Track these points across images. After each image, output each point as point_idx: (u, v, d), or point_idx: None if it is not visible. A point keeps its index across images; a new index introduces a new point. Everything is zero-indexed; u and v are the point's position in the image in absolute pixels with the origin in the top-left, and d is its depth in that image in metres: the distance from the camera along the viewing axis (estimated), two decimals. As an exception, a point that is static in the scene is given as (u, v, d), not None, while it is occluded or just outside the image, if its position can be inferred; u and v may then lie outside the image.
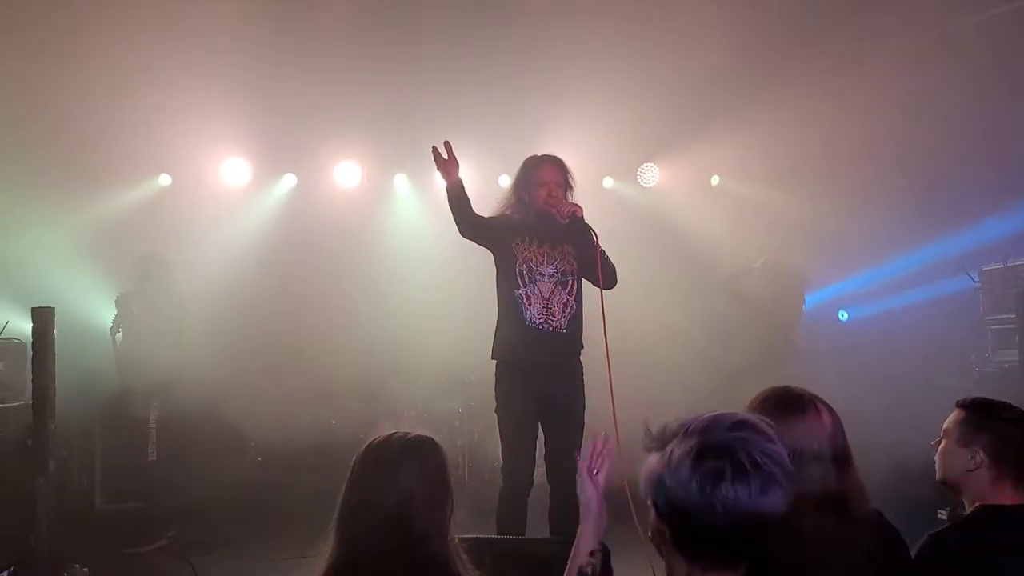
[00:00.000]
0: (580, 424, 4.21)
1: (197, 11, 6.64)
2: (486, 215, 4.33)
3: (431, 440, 2.13)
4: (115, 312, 6.48)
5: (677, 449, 1.50)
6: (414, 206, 8.79)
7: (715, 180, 8.73)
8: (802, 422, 2.10)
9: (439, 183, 4.27)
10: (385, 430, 2.13)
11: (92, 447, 6.92)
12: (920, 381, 6.14)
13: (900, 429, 4.97)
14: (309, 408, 9.07)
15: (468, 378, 8.13)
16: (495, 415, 4.29)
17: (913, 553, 2.28)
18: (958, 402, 2.53)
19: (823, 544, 1.95)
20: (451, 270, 7.23)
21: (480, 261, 4.54)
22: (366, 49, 7.12)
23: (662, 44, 6.64)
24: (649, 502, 1.54)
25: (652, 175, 8.70)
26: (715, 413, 1.53)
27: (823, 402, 2.17)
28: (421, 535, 1.94)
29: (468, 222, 4.19)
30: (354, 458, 2.07)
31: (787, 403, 2.13)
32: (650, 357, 6.35)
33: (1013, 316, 6.25)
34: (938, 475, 2.55)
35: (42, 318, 4.10)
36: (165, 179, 8.28)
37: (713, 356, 6.60)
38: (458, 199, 4.14)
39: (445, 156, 4.04)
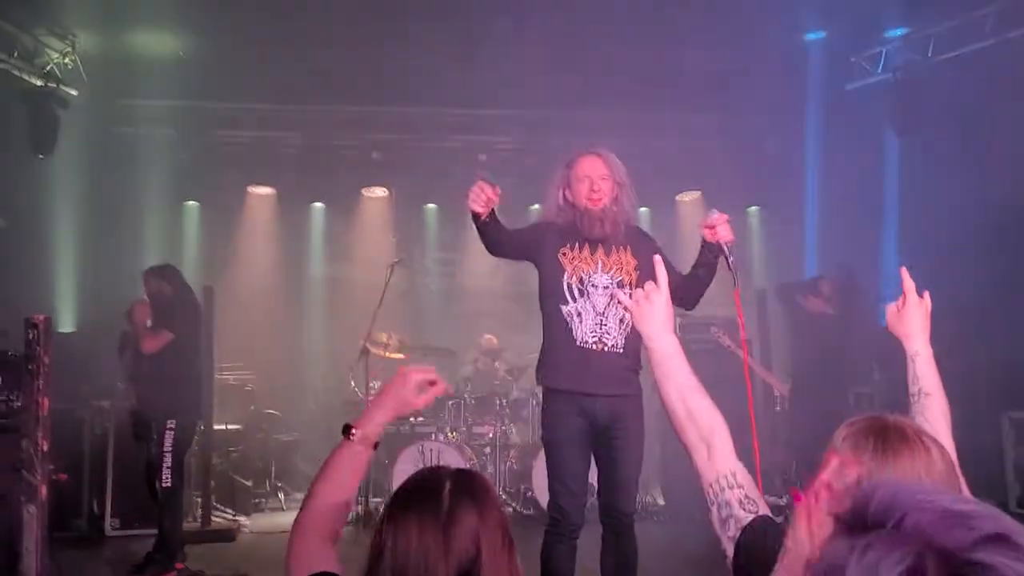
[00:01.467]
0: (640, 457, 3.72)
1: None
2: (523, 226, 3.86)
3: (478, 474, 1.63)
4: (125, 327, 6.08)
5: (880, 549, 0.89)
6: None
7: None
8: (907, 461, 1.62)
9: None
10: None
11: (104, 471, 6.62)
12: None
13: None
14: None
15: (501, 399, 7.76)
16: (540, 442, 3.78)
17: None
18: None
19: None
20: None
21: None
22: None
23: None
24: None
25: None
26: (946, 501, 0.91)
27: (930, 436, 1.69)
28: None
29: (490, 241, 3.66)
30: (384, 508, 1.52)
31: (886, 436, 1.65)
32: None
33: None
34: None
35: (37, 329, 3.69)
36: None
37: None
38: (491, 224, 3.59)
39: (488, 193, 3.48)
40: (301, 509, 1.74)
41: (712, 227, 3.40)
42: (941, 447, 1.68)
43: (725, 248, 3.37)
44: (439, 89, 8.20)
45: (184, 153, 9.17)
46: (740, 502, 1.84)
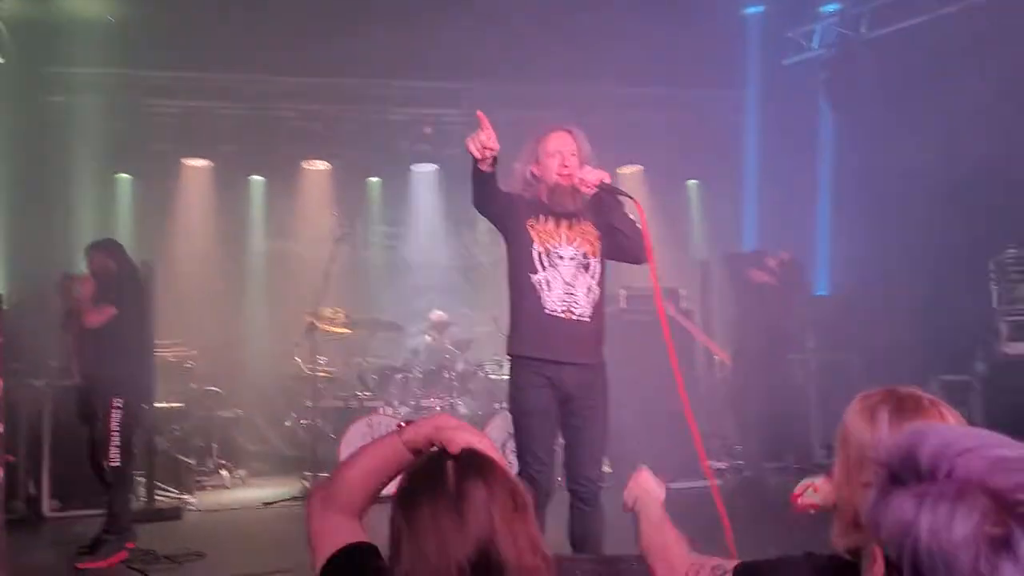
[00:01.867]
0: (606, 426, 3.77)
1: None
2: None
3: (478, 449, 1.64)
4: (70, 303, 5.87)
5: (947, 502, 0.95)
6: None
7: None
8: None
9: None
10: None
11: (40, 451, 6.43)
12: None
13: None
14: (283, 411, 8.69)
15: (449, 372, 7.79)
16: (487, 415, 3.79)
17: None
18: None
19: None
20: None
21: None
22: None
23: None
24: (884, 553, 1.02)
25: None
26: (993, 445, 0.97)
27: (947, 406, 1.76)
28: (518, 566, 1.45)
29: (488, 193, 3.63)
30: (394, 500, 1.50)
31: (901, 407, 1.70)
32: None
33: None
34: None
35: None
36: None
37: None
38: (489, 176, 3.56)
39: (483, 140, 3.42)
40: (320, 488, 1.71)
41: (582, 181, 3.63)
42: (959, 417, 1.74)
43: (604, 185, 3.63)
44: (382, 61, 8.10)
45: (116, 123, 8.85)
46: (713, 570, 1.90)
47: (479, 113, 3.45)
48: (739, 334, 6.96)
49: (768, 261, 6.59)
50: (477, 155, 3.42)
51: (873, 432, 1.61)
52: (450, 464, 1.51)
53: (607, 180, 3.67)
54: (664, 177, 10.03)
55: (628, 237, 3.71)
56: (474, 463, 1.52)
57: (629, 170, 10.28)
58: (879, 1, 7.72)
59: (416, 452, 1.64)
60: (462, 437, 1.57)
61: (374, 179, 10.18)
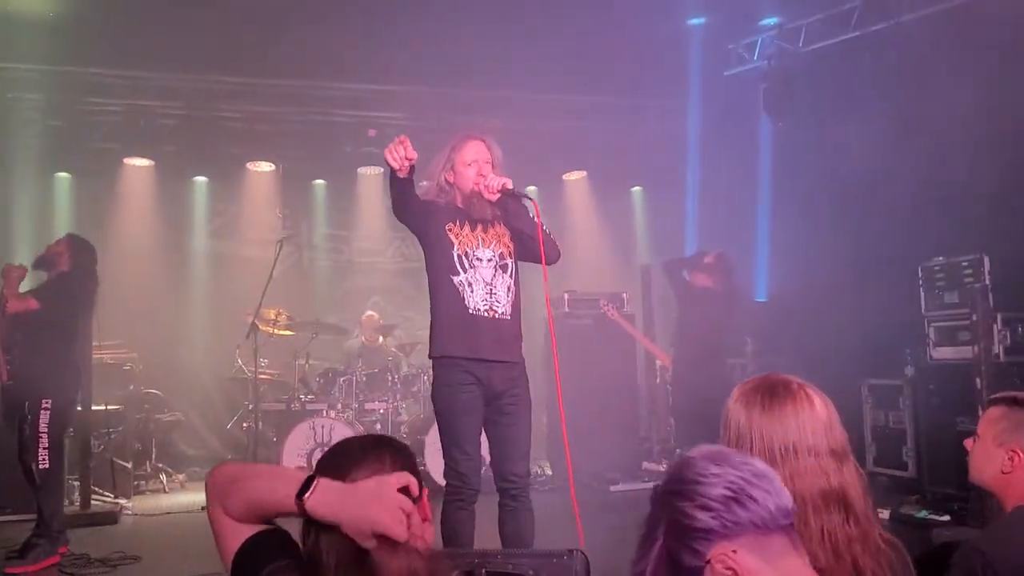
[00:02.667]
0: (530, 423, 3.87)
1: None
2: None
3: (394, 440, 1.68)
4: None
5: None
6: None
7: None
8: (792, 413, 1.80)
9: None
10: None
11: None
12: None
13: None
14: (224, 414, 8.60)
15: (392, 375, 7.81)
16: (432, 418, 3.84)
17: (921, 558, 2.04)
18: (992, 398, 2.33)
19: (834, 547, 1.69)
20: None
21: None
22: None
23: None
24: None
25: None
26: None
27: (814, 389, 1.88)
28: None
29: (405, 200, 3.71)
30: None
31: (773, 392, 1.83)
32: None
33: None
34: (971, 477, 2.35)
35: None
36: None
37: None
38: (407, 183, 3.64)
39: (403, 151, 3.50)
40: (215, 493, 1.60)
41: (486, 187, 3.75)
42: (824, 398, 1.86)
43: (507, 190, 3.75)
44: (328, 63, 8.08)
45: (55, 121, 8.70)
46: None
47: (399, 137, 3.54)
48: (678, 338, 7.09)
49: (707, 263, 6.73)
50: (395, 166, 3.51)
51: (748, 415, 1.75)
52: (358, 445, 1.57)
53: (509, 186, 3.76)
54: (608, 183, 10.18)
55: (532, 239, 3.81)
56: (379, 452, 1.54)
57: (574, 176, 10.41)
58: (815, 17, 7.93)
59: (306, 516, 1.45)
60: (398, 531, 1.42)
61: (319, 181, 10.15)
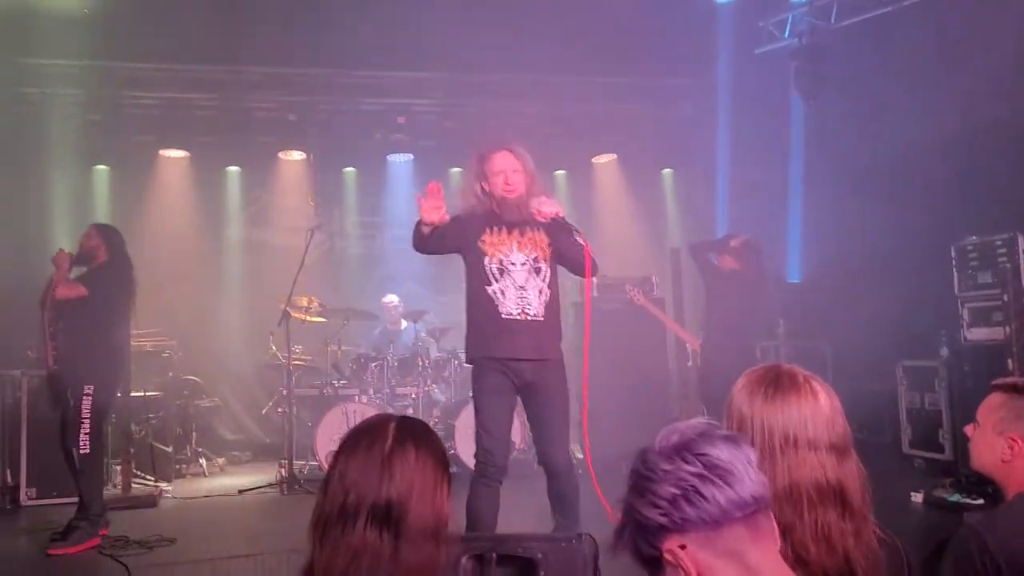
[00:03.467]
0: (566, 411, 4.07)
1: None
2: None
3: (421, 420, 1.85)
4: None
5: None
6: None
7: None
8: (795, 404, 1.80)
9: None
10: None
11: (18, 441, 6.51)
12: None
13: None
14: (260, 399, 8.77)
15: (423, 360, 7.89)
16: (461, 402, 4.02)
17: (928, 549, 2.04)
18: (994, 384, 2.31)
19: (827, 540, 1.69)
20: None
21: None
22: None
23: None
24: None
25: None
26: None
27: (820, 382, 1.87)
28: (418, 533, 1.63)
29: (426, 244, 4.06)
30: (340, 443, 1.76)
31: (777, 383, 1.83)
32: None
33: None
34: (972, 464, 2.34)
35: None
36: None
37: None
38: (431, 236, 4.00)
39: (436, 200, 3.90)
40: None
41: (539, 212, 3.99)
42: (829, 391, 1.86)
43: (558, 219, 3.99)
44: (357, 51, 8.13)
45: (93, 115, 8.89)
46: None
47: (433, 184, 3.91)
48: (706, 322, 7.05)
49: (734, 246, 6.66)
50: (429, 221, 3.88)
51: (751, 403, 1.75)
52: (393, 425, 1.74)
53: (560, 214, 4.02)
54: (638, 166, 10.11)
55: (573, 260, 4.08)
56: (414, 430, 1.76)
57: (603, 159, 10.37)
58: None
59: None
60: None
61: (350, 169, 10.23)
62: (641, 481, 1.25)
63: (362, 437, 1.73)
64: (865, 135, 7.68)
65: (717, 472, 1.22)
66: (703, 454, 1.23)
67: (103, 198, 9.38)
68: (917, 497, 5.95)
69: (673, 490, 1.21)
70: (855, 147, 7.78)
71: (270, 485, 7.23)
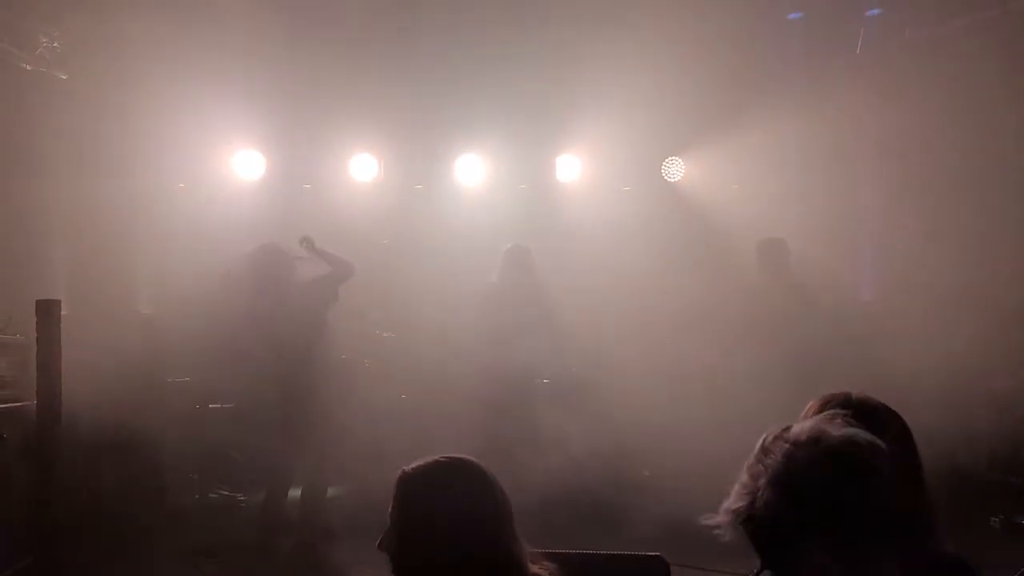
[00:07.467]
0: None
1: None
2: None
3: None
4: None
5: None
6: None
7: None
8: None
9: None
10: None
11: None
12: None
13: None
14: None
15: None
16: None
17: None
18: None
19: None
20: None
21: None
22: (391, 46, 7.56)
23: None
24: None
25: (677, 169, 8.53)
26: None
27: (892, 411, 1.84)
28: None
29: None
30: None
31: (849, 411, 1.79)
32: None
33: None
34: None
35: (47, 311, 3.80)
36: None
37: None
38: None
39: None
40: None
41: None
42: (902, 422, 1.83)
43: None
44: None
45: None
46: None
47: None
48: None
49: None
50: None
51: None
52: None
53: None
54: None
55: None
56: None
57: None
58: (921, 5, 7.64)
59: None
60: None
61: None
62: None
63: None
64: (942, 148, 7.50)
65: None
66: None
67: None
68: (995, 521, 5.79)
69: None
70: (932, 161, 7.59)
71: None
